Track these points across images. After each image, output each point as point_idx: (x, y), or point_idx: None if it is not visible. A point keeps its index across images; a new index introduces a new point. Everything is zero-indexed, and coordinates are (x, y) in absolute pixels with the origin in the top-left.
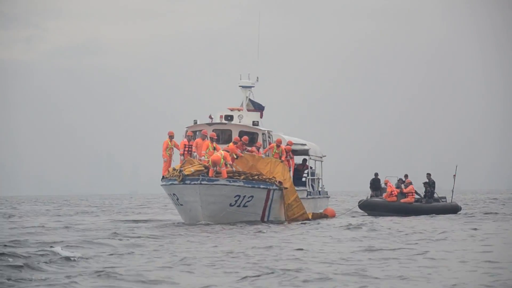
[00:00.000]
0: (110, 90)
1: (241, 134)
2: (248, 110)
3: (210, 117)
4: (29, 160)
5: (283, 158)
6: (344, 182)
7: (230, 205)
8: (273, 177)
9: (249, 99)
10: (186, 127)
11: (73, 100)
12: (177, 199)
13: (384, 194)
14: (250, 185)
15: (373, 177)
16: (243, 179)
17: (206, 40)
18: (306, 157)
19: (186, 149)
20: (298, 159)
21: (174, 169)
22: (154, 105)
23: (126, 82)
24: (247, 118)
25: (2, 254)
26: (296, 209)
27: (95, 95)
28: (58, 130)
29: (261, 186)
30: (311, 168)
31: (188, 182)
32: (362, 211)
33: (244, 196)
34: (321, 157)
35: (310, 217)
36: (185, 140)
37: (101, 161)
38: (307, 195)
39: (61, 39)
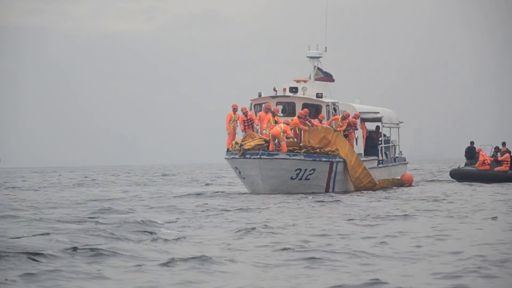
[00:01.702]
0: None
1: (305, 106)
2: (317, 79)
3: (275, 89)
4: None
5: (339, 129)
6: (425, 150)
7: (291, 178)
8: (336, 149)
9: (317, 68)
10: (251, 100)
11: (191, 69)
12: (240, 173)
13: (477, 163)
14: (311, 159)
15: (469, 145)
16: (304, 152)
17: (274, 11)
18: (379, 124)
19: (246, 124)
20: (371, 126)
21: (236, 143)
22: (219, 78)
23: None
24: (311, 90)
25: None
26: (364, 179)
27: (213, 63)
28: (178, 99)
29: (323, 159)
30: (385, 135)
31: (248, 156)
32: (452, 179)
33: (306, 170)
34: (397, 123)
35: (377, 184)
36: (242, 116)
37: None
38: (377, 164)
39: (179, 10)
